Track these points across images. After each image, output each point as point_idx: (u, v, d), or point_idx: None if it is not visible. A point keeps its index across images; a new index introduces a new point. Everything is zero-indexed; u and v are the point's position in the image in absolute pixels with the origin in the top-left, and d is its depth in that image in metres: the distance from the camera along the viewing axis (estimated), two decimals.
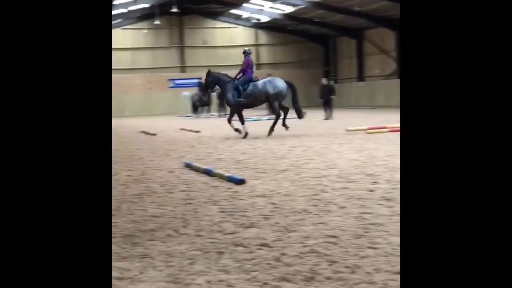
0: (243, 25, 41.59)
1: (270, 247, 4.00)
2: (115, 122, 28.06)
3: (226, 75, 14.13)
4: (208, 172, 7.75)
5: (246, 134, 13.73)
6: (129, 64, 39.39)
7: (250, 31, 41.86)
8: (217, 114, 29.46)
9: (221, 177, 7.33)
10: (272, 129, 13.91)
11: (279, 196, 5.96)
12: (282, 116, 13.81)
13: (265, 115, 24.92)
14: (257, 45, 41.71)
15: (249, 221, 4.82)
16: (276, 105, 13.66)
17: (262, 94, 13.58)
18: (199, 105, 29.12)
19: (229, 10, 39.93)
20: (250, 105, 13.89)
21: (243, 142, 12.92)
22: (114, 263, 3.71)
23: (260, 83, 13.67)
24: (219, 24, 41.41)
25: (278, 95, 13.52)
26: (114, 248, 4.10)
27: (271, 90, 13.52)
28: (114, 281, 3.33)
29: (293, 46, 41.85)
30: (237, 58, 41.59)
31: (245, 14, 40.25)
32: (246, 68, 13.90)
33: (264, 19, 40.12)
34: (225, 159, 9.74)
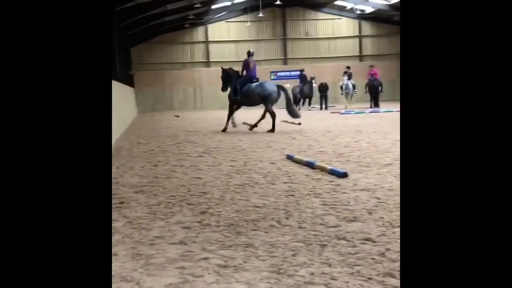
0: (347, 16, 41.08)
1: (374, 242, 3.93)
2: (219, 113, 28.72)
3: (237, 72, 15.05)
4: (310, 165, 7.74)
5: (225, 129, 15.01)
6: (233, 56, 40.13)
7: (354, 22, 41.27)
8: (318, 106, 29.37)
9: (323, 169, 7.29)
10: (272, 128, 14.48)
11: (383, 191, 5.84)
12: (266, 117, 14.85)
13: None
14: (360, 37, 41.07)
15: (352, 215, 4.76)
16: (269, 106, 14.44)
17: (254, 96, 14.47)
18: (300, 98, 29.16)
19: (333, 1, 39.57)
20: (245, 103, 14.80)
21: (345, 136, 12.79)
22: (218, 251, 3.79)
23: (253, 85, 14.54)
24: (322, 15, 41.16)
25: (268, 97, 14.31)
26: (218, 236, 4.19)
27: (261, 92, 14.36)
28: (218, 269, 3.41)
29: (398, 37, 40.82)
30: (340, 49, 41.21)
31: (348, 5, 39.73)
32: (245, 68, 14.86)
33: (368, 10, 39.39)
34: (327, 152, 9.67)
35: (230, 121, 15.32)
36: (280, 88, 14.55)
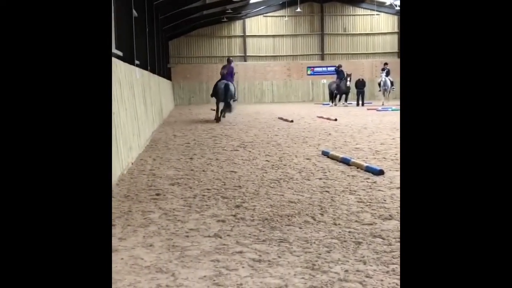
0: (385, 12, 40.56)
1: None
2: (254, 108, 28.77)
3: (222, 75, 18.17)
4: (345, 161, 7.70)
5: (217, 119, 17.87)
6: (270, 51, 40.09)
7: (393, 18, 40.73)
8: (354, 103, 29.13)
9: (359, 166, 7.24)
10: (223, 115, 18.65)
11: None
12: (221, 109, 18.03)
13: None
14: (399, 33, 40.50)
15: (388, 213, 4.72)
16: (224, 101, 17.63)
17: (218, 92, 17.59)
18: (336, 93, 28.97)
19: None
20: (218, 99, 17.85)
21: (382, 132, 12.65)
22: (252, 245, 3.80)
23: (218, 84, 17.75)
24: (360, 11, 40.75)
25: (220, 95, 17.53)
26: (252, 230, 4.21)
27: (218, 90, 17.54)
28: (252, 263, 3.42)
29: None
30: (378, 46, 40.73)
31: (388, 1, 39.22)
32: (223, 72, 18.15)
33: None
34: (363, 148, 9.60)
35: (217, 113, 18.16)
36: (224, 85, 17.40)
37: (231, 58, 18.72)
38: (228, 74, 18.12)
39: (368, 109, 23.60)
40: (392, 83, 28.10)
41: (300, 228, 4.28)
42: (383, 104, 26.97)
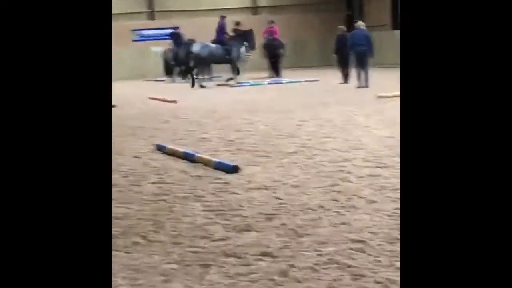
0: None
1: (273, 257, 4.03)
2: None
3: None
4: (188, 157, 7.76)
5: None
6: None
7: None
8: (200, 77, 29.37)
9: (206, 163, 7.34)
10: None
11: (285, 188, 6.02)
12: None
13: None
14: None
15: (245, 223, 4.85)
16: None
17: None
18: (175, 65, 29.01)
19: None
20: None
21: (237, 116, 12.94)
22: None
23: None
24: None
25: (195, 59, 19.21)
26: None
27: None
28: None
29: None
30: (223, 1, 41.48)
31: None
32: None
33: None
34: (212, 138, 9.76)
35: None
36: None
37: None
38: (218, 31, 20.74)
39: (218, 85, 23.97)
40: (246, 49, 28.69)
41: (127, 252, 4.27)
42: (230, 79, 27.48)
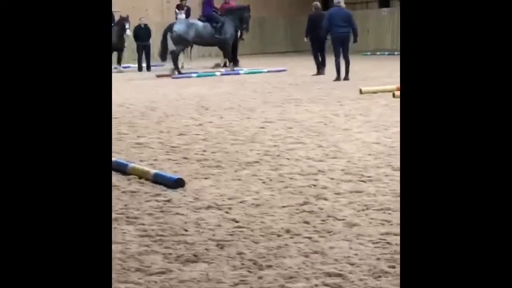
0: None
1: None
2: None
3: None
4: (119, 168, 7.74)
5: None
6: None
7: None
8: (135, 65, 29.25)
9: (142, 175, 7.33)
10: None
11: (243, 208, 6.05)
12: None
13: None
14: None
15: (191, 252, 4.87)
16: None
17: None
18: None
19: None
20: None
21: (184, 113, 12.90)
22: None
23: None
24: None
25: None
26: None
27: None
28: None
29: None
30: None
31: None
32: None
33: None
34: (150, 144, 9.76)
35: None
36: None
37: None
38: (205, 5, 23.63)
39: (157, 76, 23.87)
40: (241, 30, 28.54)
41: None
42: (181, 67, 27.42)
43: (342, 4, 19.26)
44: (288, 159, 8.16)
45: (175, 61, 23.68)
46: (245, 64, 26.53)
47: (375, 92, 14.78)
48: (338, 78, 18.43)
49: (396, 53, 30.70)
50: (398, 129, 9.77)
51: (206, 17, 24.93)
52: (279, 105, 13.66)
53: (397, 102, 12.96)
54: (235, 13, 25.34)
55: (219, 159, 8.35)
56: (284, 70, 23.03)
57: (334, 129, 10.37)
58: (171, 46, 23.94)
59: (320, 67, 20.84)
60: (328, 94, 15.28)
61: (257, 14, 38.30)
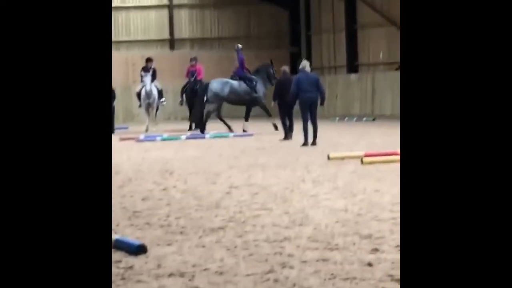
0: None
1: None
2: None
3: None
4: None
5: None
6: None
7: None
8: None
9: None
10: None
11: (207, 275, 5.96)
12: None
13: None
14: (170, 7, 41.77)
15: None
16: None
17: None
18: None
19: None
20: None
21: (148, 178, 12.86)
22: None
23: None
24: None
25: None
26: None
27: None
28: None
29: (235, 10, 42.16)
30: (136, 29, 41.52)
31: None
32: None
33: None
34: (113, 208, 9.60)
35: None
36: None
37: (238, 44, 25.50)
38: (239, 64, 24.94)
39: (121, 139, 23.82)
40: (161, 92, 28.67)
41: None
42: (146, 130, 27.40)
43: (308, 69, 19.29)
44: (253, 225, 8.08)
45: (206, 119, 24.90)
46: (212, 127, 26.62)
47: (343, 158, 14.80)
48: (305, 143, 18.44)
49: (364, 119, 30.92)
50: (366, 196, 9.86)
51: (240, 77, 25.97)
52: (245, 170, 13.66)
53: (365, 169, 13.04)
54: (262, 70, 26.30)
55: (183, 225, 8.27)
56: (251, 135, 23.11)
57: (301, 195, 10.32)
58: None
59: (288, 132, 20.95)
60: (295, 160, 15.30)
61: (226, 78, 38.60)
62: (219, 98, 24.92)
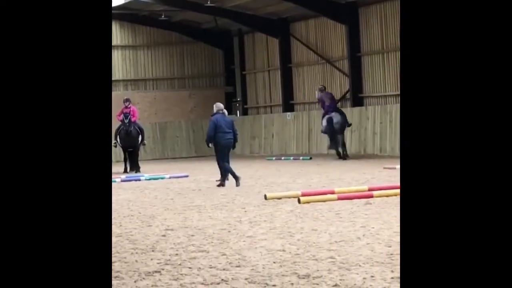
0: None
1: None
2: None
3: None
4: None
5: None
6: None
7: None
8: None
9: None
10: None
11: None
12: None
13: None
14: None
15: None
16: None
17: None
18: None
19: None
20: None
21: None
22: None
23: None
24: None
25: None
26: None
27: None
28: None
29: (169, 50, 42.17)
30: None
31: None
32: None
33: (116, 1, 40.32)
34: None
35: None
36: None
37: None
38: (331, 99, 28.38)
39: None
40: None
41: None
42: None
43: (222, 111, 19.17)
44: (190, 268, 8.10)
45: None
46: (147, 169, 26.50)
47: (280, 198, 14.83)
48: (237, 179, 18.27)
49: (301, 157, 31.04)
50: (303, 235, 9.90)
51: (335, 110, 29.06)
52: (181, 212, 13.63)
53: (302, 208, 13.07)
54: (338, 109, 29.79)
55: (117, 269, 8.22)
56: (186, 176, 23.04)
57: (238, 236, 10.33)
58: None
59: (224, 174, 20.83)
60: (232, 200, 15.30)
61: (161, 119, 38.59)
62: (343, 129, 28.92)
